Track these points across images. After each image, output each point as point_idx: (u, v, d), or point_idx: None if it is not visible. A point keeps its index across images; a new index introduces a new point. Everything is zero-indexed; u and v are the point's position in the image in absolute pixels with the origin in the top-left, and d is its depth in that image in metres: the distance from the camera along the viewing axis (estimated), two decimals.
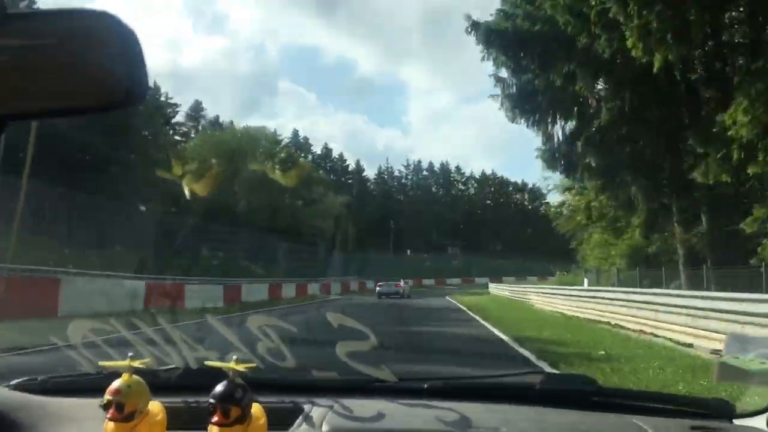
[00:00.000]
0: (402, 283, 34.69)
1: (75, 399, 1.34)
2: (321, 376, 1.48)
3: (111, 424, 1.01)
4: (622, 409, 1.37)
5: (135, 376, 1.05)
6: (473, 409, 1.32)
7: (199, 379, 1.27)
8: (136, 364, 1.07)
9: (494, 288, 40.39)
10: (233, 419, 0.98)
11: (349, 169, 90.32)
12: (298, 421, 1.20)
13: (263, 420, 1.06)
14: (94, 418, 1.09)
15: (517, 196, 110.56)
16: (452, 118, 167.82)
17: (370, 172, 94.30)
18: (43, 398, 1.31)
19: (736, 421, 1.33)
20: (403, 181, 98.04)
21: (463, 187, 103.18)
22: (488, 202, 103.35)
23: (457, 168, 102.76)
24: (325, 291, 34.66)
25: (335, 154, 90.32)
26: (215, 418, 0.98)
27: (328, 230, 44.88)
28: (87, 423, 1.14)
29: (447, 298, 31.33)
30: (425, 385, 1.46)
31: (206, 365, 1.17)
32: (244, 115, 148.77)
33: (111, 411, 1.00)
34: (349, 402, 1.32)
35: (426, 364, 5.87)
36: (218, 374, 1.06)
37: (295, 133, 69.72)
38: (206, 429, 1.02)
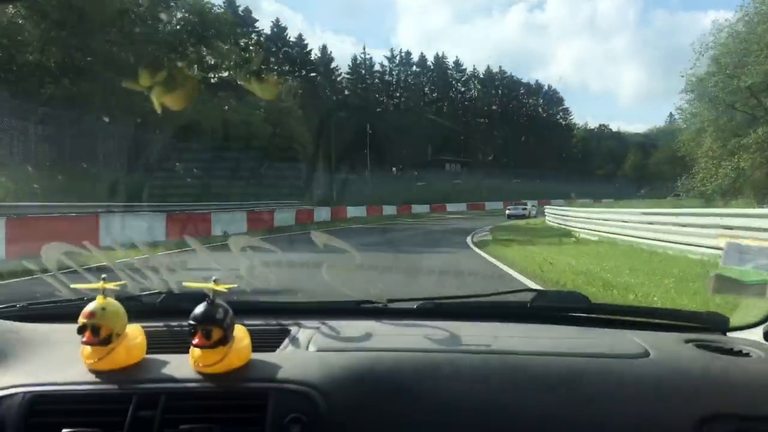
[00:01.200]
0: (529, 205, 38.99)
1: (51, 324, 1.32)
2: (308, 298, 1.52)
3: (88, 348, 1.01)
4: (615, 324, 1.39)
5: (109, 299, 1.03)
6: (463, 328, 1.31)
7: (181, 302, 1.27)
8: (110, 286, 1.05)
9: (554, 217, 23.23)
10: (215, 341, 0.96)
11: (312, 57, 67.68)
12: (284, 342, 1.18)
13: (247, 341, 1.04)
14: (70, 341, 1.09)
15: (530, 100, 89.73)
16: (448, 38, 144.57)
17: (343, 68, 72.30)
18: (19, 324, 1.29)
19: (731, 334, 1.35)
20: (386, 77, 75.93)
21: (463, 88, 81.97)
22: (495, 107, 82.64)
23: (456, 63, 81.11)
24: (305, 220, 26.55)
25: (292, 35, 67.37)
26: (196, 340, 0.97)
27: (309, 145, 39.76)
28: (63, 346, 1.13)
29: (471, 243, 14.70)
30: (414, 306, 1.45)
31: (185, 287, 1.15)
32: None
33: (87, 334, 0.99)
34: (336, 323, 1.32)
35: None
36: (201, 298, 1.05)
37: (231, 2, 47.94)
38: (188, 352, 1.01)
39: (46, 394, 0.98)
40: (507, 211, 37.56)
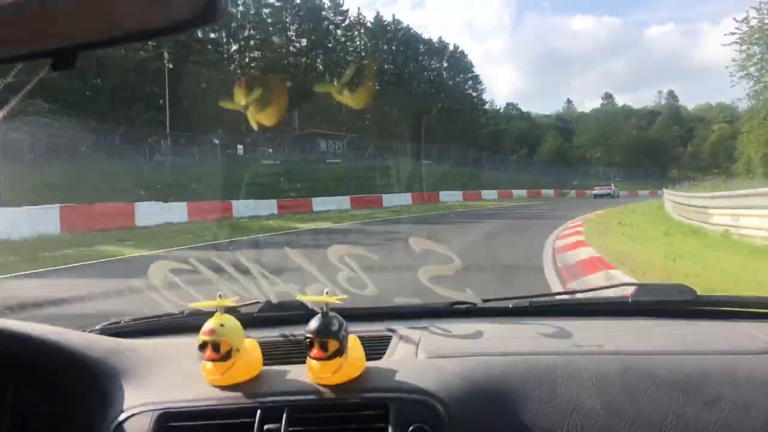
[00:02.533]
0: (613, 186, 48.77)
1: (163, 339, 1.34)
2: (403, 302, 1.47)
3: (209, 364, 1.03)
4: (725, 316, 1.34)
5: (227, 315, 1.05)
6: (567, 327, 1.28)
7: (288, 312, 1.34)
8: (227, 303, 1.07)
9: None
10: (332, 353, 0.98)
11: None
12: (389, 349, 1.18)
13: (361, 351, 1.05)
14: (188, 357, 1.11)
15: (433, 63, 69.70)
16: None
17: None
18: (134, 341, 1.29)
19: None
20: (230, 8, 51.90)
21: (344, 38, 59.82)
22: (388, 66, 61.46)
23: (335, 4, 58.52)
24: None
25: None
26: (314, 353, 0.98)
27: None
28: (182, 363, 1.14)
29: None
30: (510, 305, 1.43)
31: (300, 299, 1.15)
32: None
33: (208, 351, 1.01)
34: (436, 327, 1.31)
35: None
36: (301, 307, 1.11)
37: None
38: (303, 363, 1.02)
39: (174, 412, 0.99)
40: (594, 192, 44.28)
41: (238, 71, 48.66)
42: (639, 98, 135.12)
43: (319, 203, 27.70)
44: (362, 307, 1.45)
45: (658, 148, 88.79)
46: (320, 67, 56.02)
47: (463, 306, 1.43)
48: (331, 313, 1.03)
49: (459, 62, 71.33)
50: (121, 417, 1.02)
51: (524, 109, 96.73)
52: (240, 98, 0.95)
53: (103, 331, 1.39)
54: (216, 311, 1.07)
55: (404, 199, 34.41)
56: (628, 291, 1.43)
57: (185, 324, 1.27)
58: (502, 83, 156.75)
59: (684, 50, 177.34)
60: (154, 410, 1.01)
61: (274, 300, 1.31)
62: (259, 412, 0.98)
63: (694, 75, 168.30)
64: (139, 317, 1.47)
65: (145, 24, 0.52)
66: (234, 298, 1.18)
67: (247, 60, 50.66)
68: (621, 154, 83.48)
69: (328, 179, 33.73)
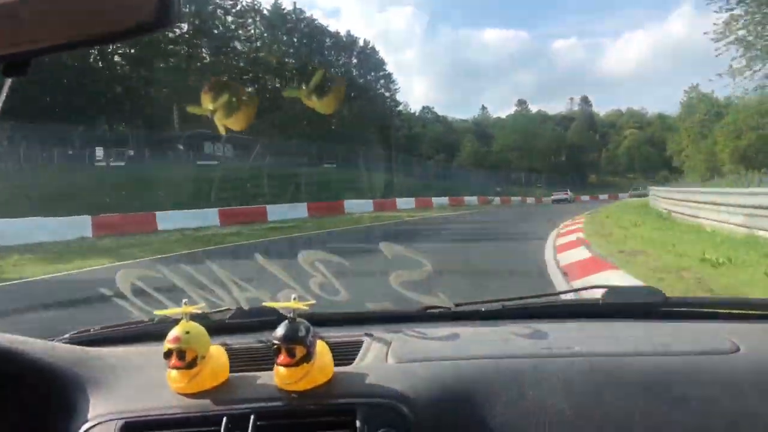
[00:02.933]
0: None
1: (130, 347, 1.34)
2: (375, 307, 1.49)
3: (174, 372, 1.02)
4: (694, 318, 1.36)
5: (192, 322, 1.05)
6: (538, 330, 1.29)
7: (256, 318, 1.34)
8: (192, 309, 1.07)
9: None
10: (299, 359, 0.97)
11: None
12: (360, 353, 1.18)
13: (329, 356, 1.05)
14: (154, 365, 1.11)
15: (341, 58, 63.16)
16: None
17: None
18: (101, 349, 1.28)
19: None
20: None
21: (233, 25, 51.91)
22: (288, 60, 54.21)
23: None
24: None
25: None
26: (281, 359, 0.98)
27: None
28: (147, 371, 1.14)
29: None
30: (482, 309, 1.45)
31: (266, 306, 1.15)
32: None
33: (173, 359, 1.01)
34: (408, 331, 1.31)
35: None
36: (272, 312, 1.11)
37: None
38: (270, 369, 1.03)
39: (140, 421, 0.99)
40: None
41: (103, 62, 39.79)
42: (551, 108, 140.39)
43: (168, 219, 19.94)
44: (334, 313, 1.47)
45: (577, 153, 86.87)
46: (206, 57, 47.70)
47: (436, 310, 1.43)
48: (299, 319, 1.01)
49: (370, 59, 65.19)
50: (85, 427, 1.00)
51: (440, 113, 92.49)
52: (207, 103, 0.95)
53: (71, 340, 1.37)
54: (182, 318, 1.05)
55: (299, 210, 27.14)
56: (600, 293, 1.46)
57: (153, 331, 1.26)
58: (417, 94, 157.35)
59: (587, 62, 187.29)
60: (118, 419, 1.00)
61: (245, 306, 1.31)
62: (224, 419, 0.97)
63: (597, 85, 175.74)
64: (108, 325, 1.47)
65: (99, 29, 0.52)
66: (200, 304, 1.17)
67: (111, 48, 41.57)
68: (541, 158, 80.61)
69: (190, 186, 25.86)
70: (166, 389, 1.04)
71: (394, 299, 1.40)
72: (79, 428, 1.01)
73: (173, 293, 1.19)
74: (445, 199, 43.25)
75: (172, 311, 1.09)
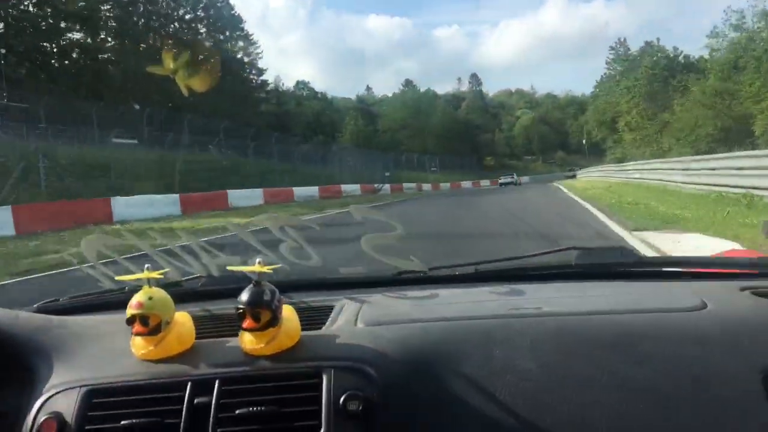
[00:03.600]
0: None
1: (97, 316, 1.33)
2: (348, 272, 1.51)
3: (138, 339, 1.02)
4: (665, 276, 1.39)
5: (155, 288, 1.04)
6: (510, 291, 1.32)
7: (224, 285, 1.35)
8: (155, 275, 1.07)
9: None
10: (264, 323, 0.96)
11: None
12: (330, 318, 1.18)
13: (295, 320, 1.05)
14: (118, 332, 1.10)
15: (183, 13, 49.29)
16: None
17: None
18: (66, 318, 1.28)
19: None
20: None
21: None
22: (99, 14, 39.61)
23: None
24: None
25: None
26: (246, 324, 0.97)
27: None
28: (112, 338, 1.13)
29: None
30: (456, 272, 1.46)
31: (229, 270, 1.15)
32: None
33: (136, 325, 1.00)
34: (379, 295, 1.32)
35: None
36: (243, 279, 1.09)
37: None
38: (237, 335, 1.02)
39: (102, 388, 0.99)
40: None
41: None
42: (439, 88, 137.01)
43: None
44: (306, 278, 1.49)
45: (470, 133, 78.60)
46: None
47: (410, 274, 1.43)
48: (264, 283, 1.00)
49: (221, 14, 51.45)
50: (47, 394, 1.00)
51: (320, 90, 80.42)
52: (168, 63, 0.91)
53: (39, 310, 1.36)
54: (145, 285, 1.05)
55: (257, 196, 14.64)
56: (573, 255, 1.48)
57: (121, 300, 1.21)
58: (300, 78, 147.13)
59: (469, 49, 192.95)
60: (81, 387, 0.99)
61: (215, 273, 1.31)
62: (189, 384, 0.96)
63: (480, 71, 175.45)
64: (76, 295, 1.46)
65: None
66: (164, 270, 1.16)
67: None
68: (433, 139, 71.33)
69: None
70: (130, 356, 1.03)
71: (369, 264, 1.41)
72: (41, 395, 1.00)
73: (143, 261, 1.14)
74: (314, 189, 31.51)
75: (132, 276, 1.08)
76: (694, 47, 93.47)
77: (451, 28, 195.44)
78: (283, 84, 73.91)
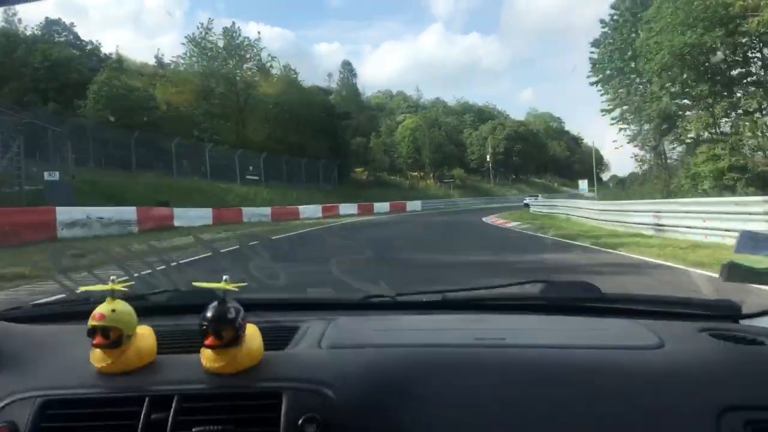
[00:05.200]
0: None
1: (60, 326, 1.33)
2: (316, 293, 1.51)
3: (98, 351, 1.00)
4: (626, 313, 1.41)
5: (119, 300, 1.03)
6: (474, 321, 1.34)
7: (190, 301, 1.34)
8: (119, 287, 1.04)
9: None
10: (227, 341, 0.96)
11: None
12: (294, 339, 1.18)
13: (258, 340, 1.04)
14: (78, 343, 1.08)
15: None
16: None
17: None
18: (27, 326, 1.29)
19: (743, 322, 1.37)
20: None
21: None
22: None
23: None
24: None
25: None
26: (208, 341, 0.96)
27: None
28: (72, 349, 1.12)
29: None
30: (423, 299, 1.48)
31: (194, 286, 1.13)
32: None
33: (97, 337, 0.99)
34: (345, 319, 1.32)
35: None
36: (209, 295, 1.10)
37: None
38: (198, 352, 1.01)
39: (57, 399, 0.98)
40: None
41: None
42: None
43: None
44: (273, 298, 1.48)
45: (332, 127, 49.28)
46: None
47: (377, 299, 1.45)
48: (230, 301, 0.99)
49: None
50: (2, 403, 0.99)
51: None
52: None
53: (1, 317, 1.36)
54: (108, 296, 1.03)
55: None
56: (539, 287, 1.50)
57: (84, 310, 1.19)
58: None
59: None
60: (36, 397, 0.98)
61: (183, 288, 1.31)
62: (147, 400, 0.96)
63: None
64: (40, 302, 1.45)
65: None
66: (129, 282, 1.15)
67: None
68: (259, 125, 42.96)
69: None
70: (89, 368, 1.02)
71: (337, 287, 1.44)
72: None
73: (109, 272, 1.16)
74: None
75: (97, 288, 1.06)
76: None
77: (332, 45, 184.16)
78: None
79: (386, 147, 66.54)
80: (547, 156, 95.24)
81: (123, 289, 1.05)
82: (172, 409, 0.93)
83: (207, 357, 0.98)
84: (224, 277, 1.01)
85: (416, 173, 65.53)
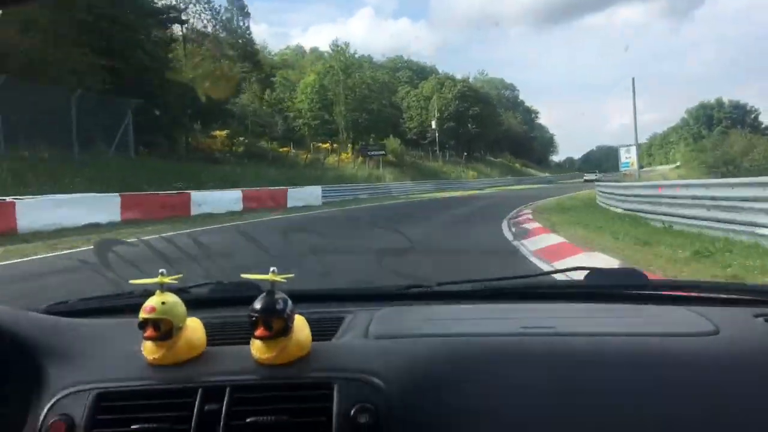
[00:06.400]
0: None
1: (107, 319, 1.34)
2: (358, 284, 1.49)
3: (149, 343, 1.02)
4: (675, 300, 1.38)
5: (168, 293, 1.04)
6: (518, 310, 1.33)
7: (235, 293, 1.39)
8: (168, 280, 1.06)
9: None
10: (276, 331, 0.97)
11: None
12: (340, 329, 1.19)
13: (307, 331, 1.05)
14: (128, 336, 1.10)
15: None
16: None
17: None
18: (75, 320, 1.28)
19: None
20: None
21: None
22: None
23: None
24: None
25: None
26: (258, 332, 0.97)
27: None
28: (122, 342, 1.12)
29: None
30: (465, 288, 1.48)
31: (243, 278, 1.16)
32: None
33: (148, 330, 1.00)
34: (389, 309, 1.33)
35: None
36: (253, 287, 1.13)
37: None
38: (248, 343, 1.02)
39: (112, 391, 0.99)
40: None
41: None
42: None
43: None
44: (316, 289, 1.50)
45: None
46: None
47: (417, 289, 1.45)
48: (278, 292, 1.00)
49: None
50: (57, 397, 1.00)
51: None
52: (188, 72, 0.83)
53: (48, 311, 1.36)
54: (158, 289, 1.05)
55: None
56: (582, 275, 1.47)
57: (130, 303, 1.27)
58: None
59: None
60: (91, 390, 0.99)
61: (225, 280, 1.32)
62: (200, 391, 0.97)
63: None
64: (86, 297, 1.48)
65: None
66: (177, 275, 1.15)
67: None
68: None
69: None
70: (140, 361, 1.03)
71: (376, 278, 1.41)
72: (51, 398, 1.00)
73: (151, 266, 1.17)
74: None
75: (147, 281, 1.08)
76: None
77: (260, 26, 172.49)
78: None
79: (281, 106, 43.85)
80: (502, 130, 75.47)
81: (172, 281, 1.06)
82: (225, 400, 0.94)
83: (257, 348, 0.99)
84: (272, 269, 1.01)
85: (327, 145, 43.00)
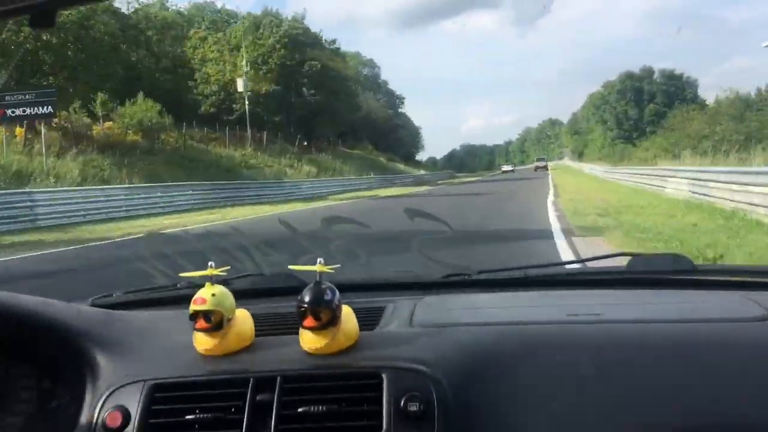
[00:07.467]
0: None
1: (156, 311, 1.36)
2: (398, 273, 1.52)
3: (200, 335, 1.04)
4: (722, 285, 1.38)
5: (218, 285, 1.06)
6: (562, 297, 1.34)
7: (280, 284, 1.41)
8: (218, 272, 1.09)
9: None
10: (325, 322, 0.99)
11: None
12: (384, 318, 1.20)
13: (354, 320, 1.07)
14: (179, 328, 1.12)
15: None
16: None
17: None
18: (124, 312, 1.31)
19: None
20: None
21: None
22: None
23: None
24: None
25: None
26: (307, 322, 0.99)
27: None
28: (172, 333, 1.15)
29: None
30: (505, 276, 1.48)
31: (290, 269, 1.19)
32: None
33: (199, 321, 1.02)
34: (432, 297, 1.35)
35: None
36: (296, 278, 1.16)
37: None
38: (296, 333, 1.04)
39: (166, 383, 1.01)
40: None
41: None
42: None
43: None
44: (357, 278, 1.50)
45: None
46: None
47: (458, 277, 1.45)
48: (325, 283, 1.02)
49: None
50: (111, 389, 1.01)
51: None
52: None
53: (95, 304, 1.38)
54: (207, 281, 1.06)
55: None
56: (624, 261, 1.46)
57: (178, 295, 1.28)
58: None
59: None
60: (145, 381, 1.01)
61: (267, 272, 1.34)
62: (252, 381, 0.98)
63: None
64: (132, 289, 1.48)
65: None
66: (225, 267, 1.18)
67: None
68: None
69: None
70: (192, 352, 1.05)
71: (417, 266, 1.43)
72: (105, 390, 1.01)
73: (195, 259, 1.18)
74: None
75: (196, 273, 1.10)
76: None
77: None
78: None
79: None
80: (360, 114, 56.73)
81: (221, 273, 1.09)
82: (277, 390, 0.95)
83: (306, 338, 1.00)
84: (319, 260, 1.02)
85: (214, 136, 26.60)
